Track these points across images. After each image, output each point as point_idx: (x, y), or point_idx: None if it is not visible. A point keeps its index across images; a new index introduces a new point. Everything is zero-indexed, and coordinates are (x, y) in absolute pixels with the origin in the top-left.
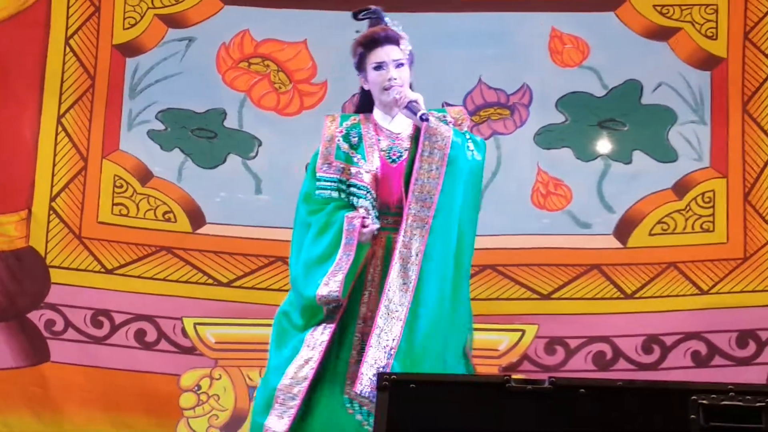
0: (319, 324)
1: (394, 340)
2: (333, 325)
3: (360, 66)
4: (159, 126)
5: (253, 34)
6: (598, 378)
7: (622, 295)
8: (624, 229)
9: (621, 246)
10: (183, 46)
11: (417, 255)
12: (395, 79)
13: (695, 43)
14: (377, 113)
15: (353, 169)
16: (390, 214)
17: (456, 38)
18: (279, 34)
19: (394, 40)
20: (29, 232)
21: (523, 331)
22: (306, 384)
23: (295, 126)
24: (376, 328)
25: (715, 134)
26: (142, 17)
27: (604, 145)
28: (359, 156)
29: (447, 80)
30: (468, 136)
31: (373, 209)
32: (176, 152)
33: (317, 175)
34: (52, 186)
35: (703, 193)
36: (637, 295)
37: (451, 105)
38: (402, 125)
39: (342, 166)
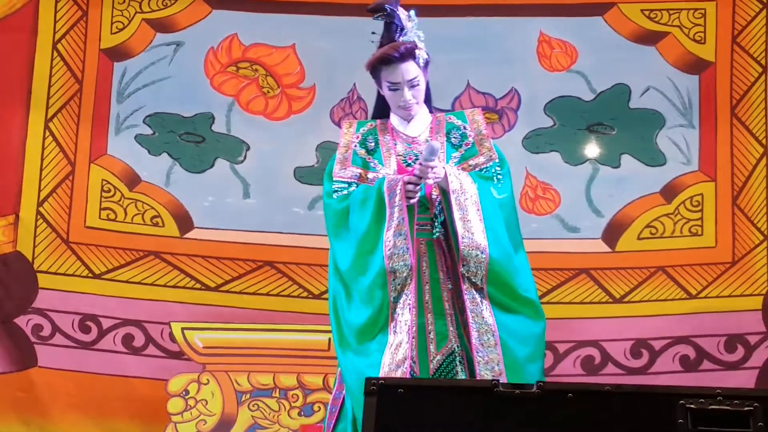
0: (388, 307)
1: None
2: (410, 300)
3: (374, 76)
4: (147, 130)
5: (241, 38)
6: (586, 382)
7: (610, 300)
8: (612, 233)
9: (609, 250)
10: (171, 51)
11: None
12: (409, 100)
13: (683, 47)
14: (394, 118)
15: (371, 175)
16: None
17: (444, 43)
18: (267, 38)
19: (408, 56)
20: (17, 237)
21: None
22: (408, 363)
23: (283, 130)
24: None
25: (704, 138)
26: (129, 21)
27: (592, 149)
28: (376, 161)
29: (435, 84)
30: (491, 168)
31: None
32: (164, 157)
33: (334, 179)
34: (39, 190)
35: (691, 197)
36: (625, 300)
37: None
38: (419, 128)
39: (359, 171)
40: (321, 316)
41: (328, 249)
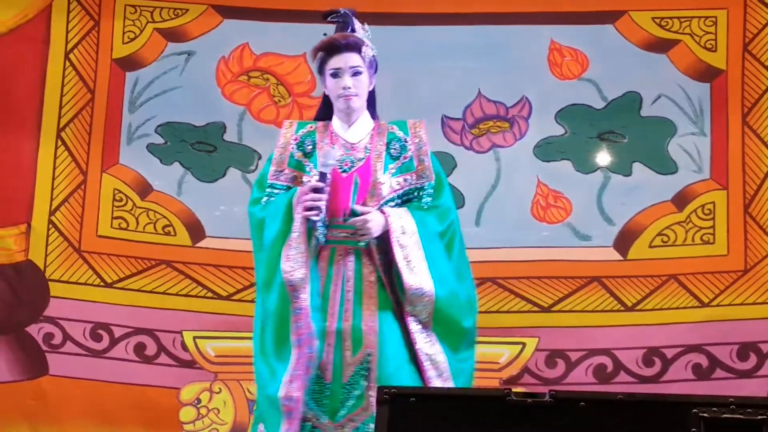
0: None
1: None
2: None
3: (320, 70)
4: (158, 140)
5: (252, 47)
6: (599, 391)
7: (622, 308)
8: (624, 241)
9: (621, 258)
10: (182, 60)
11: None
12: (350, 88)
13: (694, 55)
14: (336, 121)
15: (305, 178)
16: (339, 226)
17: (455, 51)
18: (278, 47)
19: (354, 46)
20: (29, 246)
21: (524, 344)
22: (302, 377)
23: None
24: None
25: (715, 146)
26: (141, 31)
27: (603, 157)
28: (312, 165)
29: (446, 93)
30: (425, 190)
31: (322, 222)
32: (176, 166)
33: (268, 182)
34: (51, 199)
35: (703, 205)
36: (637, 308)
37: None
38: (359, 134)
39: (294, 174)
40: None
41: None
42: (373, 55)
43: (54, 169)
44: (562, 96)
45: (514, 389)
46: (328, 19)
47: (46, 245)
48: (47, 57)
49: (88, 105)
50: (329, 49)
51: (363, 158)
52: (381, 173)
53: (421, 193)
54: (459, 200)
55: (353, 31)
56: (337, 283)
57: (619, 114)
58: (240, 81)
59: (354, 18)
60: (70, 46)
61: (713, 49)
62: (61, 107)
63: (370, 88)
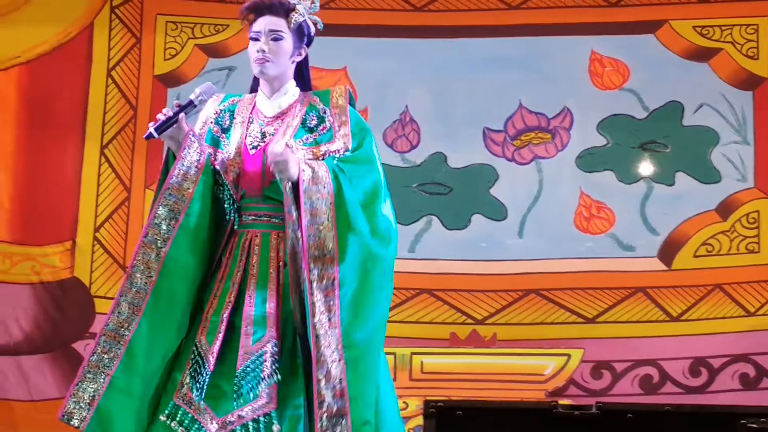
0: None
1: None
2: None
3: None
4: None
5: None
6: (646, 402)
7: (667, 318)
8: (668, 251)
9: (666, 268)
10: (224, 75)
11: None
12: (265, 52)
13: (736, 63)
14: (260, 94)
15: (220, 155)
16: (252, 209)
17: (495, 63)
18: (318, 61)
19: (279, 9)
20: (74, 263)
21: (569, 356)
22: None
23: None
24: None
25: (759, 154)
26: (182, 47)
27: (646, 167)
28: (227, 140)
29: (487, 105)
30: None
31: (228, 200)
32: None
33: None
34: (95, 216)
35: (747, 214)
36: (683, 318)
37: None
38: (279, 107)
39: (210, 150)
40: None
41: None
42: (303, 23)
43: (98, 185)
44: (603, 106)
45: (561, 401)
46: None
47: (91, 262)
48: (90, 74)
49: (130, 121)
50: (255, 11)
51: (274, 133)
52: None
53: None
54: (501, 212)
55: None
56: (240, 268)
57: (662, 123)
58: None
59: None
60: (112, 63)
61: (755, 56)
62: (104, 124)
63: (298, 58)
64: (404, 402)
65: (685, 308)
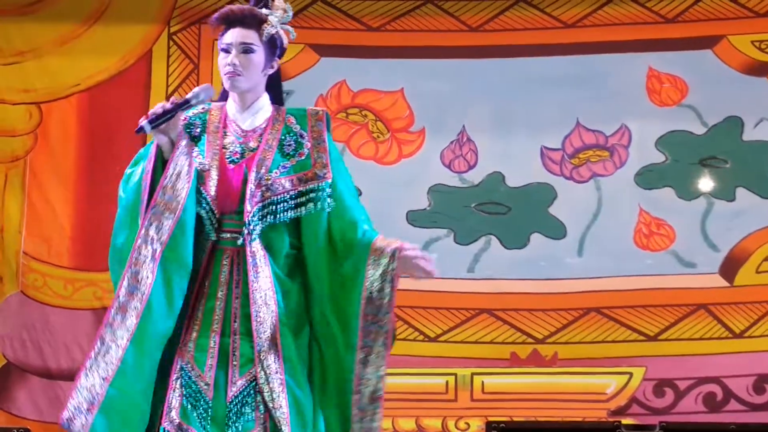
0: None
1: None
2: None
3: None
4: None
5: (349, 84)
6: (710, 421)
7: (730, 335)
8: (730, 267)
9: (728, 285)
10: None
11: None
12: (236, 65)
13: None
14: (230, 104)
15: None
16: (228, 225)
17: (552, 81)
18: (375, 83)
19: (251, 21)
20: None
21: (631, 374)
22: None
23: (394, 174)
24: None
25: None
26: None
27: (706, 183)
28: (198, 150)
29: (544, 123)
30: (323, 189)
31: (208, 216)
32: None
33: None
34: None
35: None
36: (746, 335)
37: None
38: (254, 121)
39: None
40: (440, 359)
41: (443, 291)
42: (276, 35)
43: None
44: (662, 123)
45: (624, 421)
46: None
47: None
48: (149, 101)
49: None
50: (225, 22)
51: (255, 148)
52: (271, 168)
53: (318, 194)
54: (560, 231)
55: (266, 7)
56: (224, 291)
57: (721, 139)
58: (339, 118)
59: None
60: (170, 89)
61: None
62: None
63: (271, 71)
64: (466, 422)
65: (748, 325)
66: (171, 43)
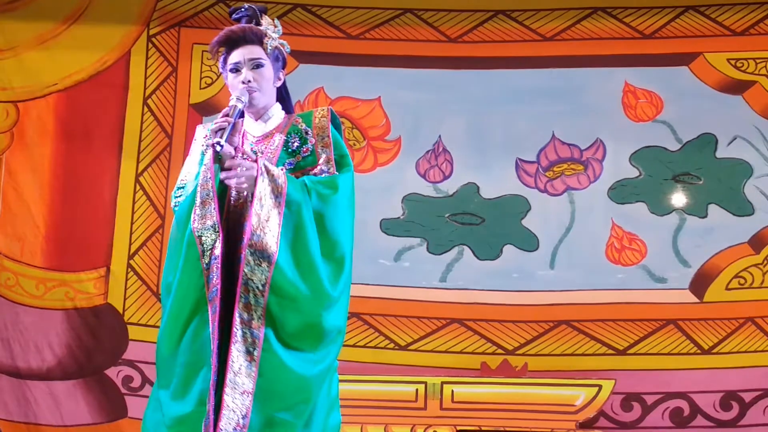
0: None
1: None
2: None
3: (223, 69)
4: None
5: (327, 91)
6: None
7: (699, 351)
8: (700, 283)
9: (697, 301)
10: None
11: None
12: (250, 81)
13: None
14: (247, 119)
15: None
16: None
17: (529, 94)
18: (353, 91)
19: (254, 38)
20: (108, 290)
21: (600, 387)
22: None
23: (369, 182)
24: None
25: None
26: (218, 77)
27: (678, 199)
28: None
29: (520, 136)
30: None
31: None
32: None
33: (178, 183)
34: (130, 244)
35: None
36: (714, 351)
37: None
38: (267, 127)
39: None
40: (410, 368)
41: (415, 300)
42: (278, 47)
43: (132, 213)
44: (636, 138)
45: None
46: (233, 17)
47: (125, 289)
48: (126, 102)
49: (165, 150)
50: (227, 44)
51: (264, 150)
52: (277, 166)
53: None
54: (533, 243)
55: (258, 25)
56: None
57: (695, 156)
58: None
59: (262, 13)
60: (148, 91)
61: None
62: (139, 152)
63: (278, 83)
64: (434, 431)
65: (717, 341)
66: (150, 44)
